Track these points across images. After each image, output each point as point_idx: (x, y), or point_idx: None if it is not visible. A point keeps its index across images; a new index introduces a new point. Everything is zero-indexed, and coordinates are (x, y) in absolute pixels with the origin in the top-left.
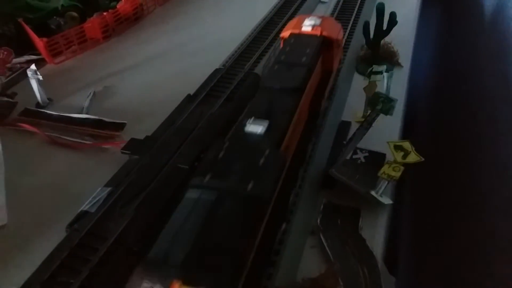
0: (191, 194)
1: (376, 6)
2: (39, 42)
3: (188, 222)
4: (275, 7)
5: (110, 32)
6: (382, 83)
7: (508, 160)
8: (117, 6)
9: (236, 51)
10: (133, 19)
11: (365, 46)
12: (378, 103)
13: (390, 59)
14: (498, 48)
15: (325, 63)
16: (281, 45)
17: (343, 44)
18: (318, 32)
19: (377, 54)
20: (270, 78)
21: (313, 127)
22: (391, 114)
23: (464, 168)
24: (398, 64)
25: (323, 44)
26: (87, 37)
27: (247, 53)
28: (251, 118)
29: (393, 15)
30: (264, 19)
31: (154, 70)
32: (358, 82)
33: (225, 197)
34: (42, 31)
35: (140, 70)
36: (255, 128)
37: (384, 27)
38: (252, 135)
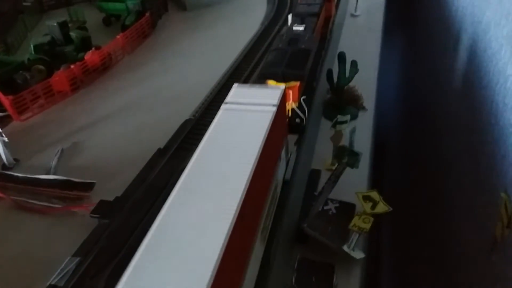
0: (274, 51)
1: (338, 55)
2: (5, 100)
3: (278, 57)
4: (242, 53)
5: (78, 84)
6: (346, 135)
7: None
8: (85, 58)
9: (206, 100)
10: (102, 69)
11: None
12: (343, 157)
13: (354, 103)
14: (462, 79)
15: (326, 10)
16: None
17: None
18: None
19: (342, 99)
20: (300, 9)
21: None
22: (357, 167)
23: (438, 203)
24: (363, 108)
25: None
26: (54, 90)
27: (217, 101)
28: (295, 23)
29: (354, 63)
30: (232, 66)
31: (123, 122)
32: (326, 127)
33: (294, 50)
34: (8, 86)
35: (109, 123)
36: (299, 27)
37: (347, 74)
38: (298, 30)
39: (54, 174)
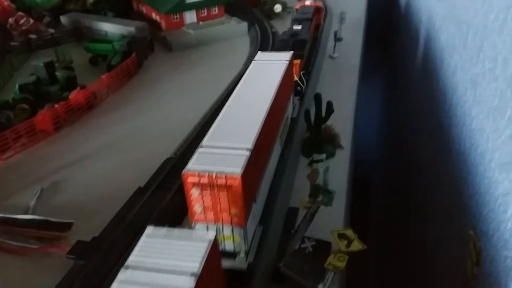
0: (280, 41)
1: (314, 96)
2: None
3: (283, 45)
4: (224, 93)
5: (61, 123)
6: (321, 175)
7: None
8: (70, 97)
9: (187, 138)
10: (86, 108)
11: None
12: (318, 195)
13: (331, 142)
14: (434, 119)
15: (317, 18)
16: (296, 10)
17: (323, 12)
18: (313, 4)
19: (319, 138)
20: (297, 16)
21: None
22: (331, 205)
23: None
24: (340, 146)
25: (315, 10)
26: (37, 129)
27: (198, 140)
28: (294, 25)
29: (329, 104)
30: (213, 106)
31: (104, 161)
32: (304, 165)
33: (294, 40)
34: None
35: (91, 161)
36: (297, 26)
37: (323, 114)
38: (296, 29)
39: (32, 214)
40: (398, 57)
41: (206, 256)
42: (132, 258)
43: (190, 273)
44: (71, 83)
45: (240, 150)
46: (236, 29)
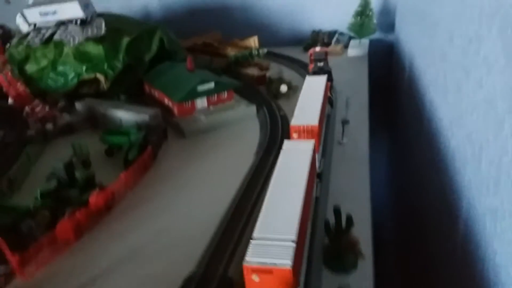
0: (312, 73)
1: (334, 210)
2: (12, 259)
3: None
4: (239, 191)
5: (82, 231)
6: None
7: None
8: (90, 200)
9: (207, 250)
10: (105, 210)
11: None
12: None
13: (352, 249)
14: (437, 179)
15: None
16: (310, 55)
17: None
18: (323, 50)
19: (340, 248)
20: (316, 57)
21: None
22: None
23: None
24: (361, 254)
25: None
26: (58, 241)
27: (220, 252)
28: (317, 62)
29: (349, 218)
30: (231, 206)
31: (123, 276)
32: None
33: (324, 71)
34: (11, 234)
35: (110, 276)
36: (320, 63)
37: (343, 226)
38: (320, 65)
39: None
40: (401, 114)
41: (313, 145)
42: (285, 146)
43: (310, 149)
44: (90, 183)
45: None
46: (245, 112)
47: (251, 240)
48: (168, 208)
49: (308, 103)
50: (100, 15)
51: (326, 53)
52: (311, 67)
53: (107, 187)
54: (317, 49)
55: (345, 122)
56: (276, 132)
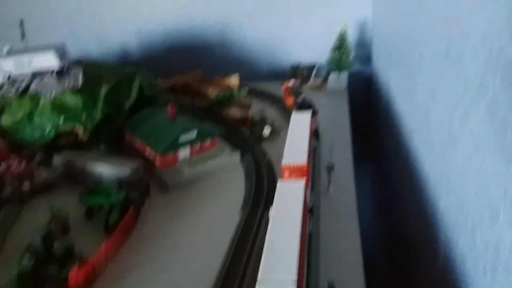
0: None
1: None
2: None
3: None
4: (227, 256)
5: None
6: None
7: None
8: (69, 277)
9: None
10: (85, 286)
11: None
12: None
13: None
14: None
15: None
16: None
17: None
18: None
19: None
20: (293, 90)
21: None
22: None
23: None
24: None
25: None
26: None
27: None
28: (298, 96)
29: None
30: (220, 274)
31: None
32: None
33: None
34: None
35: None
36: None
37: None
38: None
39: None
40: (384, 148)
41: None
42: (277, 198)
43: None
44: (69, 254)
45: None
46: (229, 161)
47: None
48: (154, 278)
49: (296, 141)
50: (77, 62)
51: (300, 86)
52: (287, 101)
53: (88, 260)
54: (290, 83)
55: (330, 168)
56: (261, 183)
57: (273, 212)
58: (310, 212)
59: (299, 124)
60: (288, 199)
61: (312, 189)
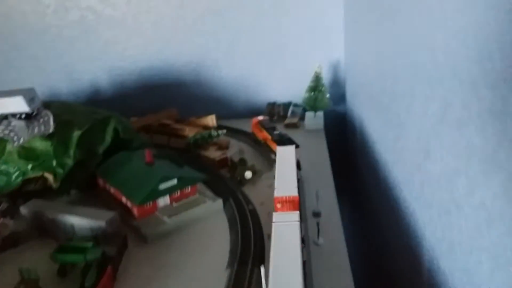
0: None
1: None
2: None
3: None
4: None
5: None
6: None
7: None
8: None
9: None
10: None
11: None
12: None
13: None
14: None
15: None
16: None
17: None
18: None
19: None
20: (266, 126)
21: None
22: None
23: None
24: None
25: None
26: None
27: None
28: (273, 131)
29: None
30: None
31: None
32: None
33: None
34: None
35: None
36: (276, 131)
37: None
38: (277, 132)
39: None
40: (364, 183)
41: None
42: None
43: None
44: None
45: None
46: (212, 207)
47: None
48: None
49: (284, 174)
50: (47, 104)
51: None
52: (258, 135)
53: None
54: (260, 118)
55: (317, 215)
56: (247, 233)
57: (272, 244)
58: (302, 242)
59: (285, 157)
60: (286, 232)
61: (302, 220)
